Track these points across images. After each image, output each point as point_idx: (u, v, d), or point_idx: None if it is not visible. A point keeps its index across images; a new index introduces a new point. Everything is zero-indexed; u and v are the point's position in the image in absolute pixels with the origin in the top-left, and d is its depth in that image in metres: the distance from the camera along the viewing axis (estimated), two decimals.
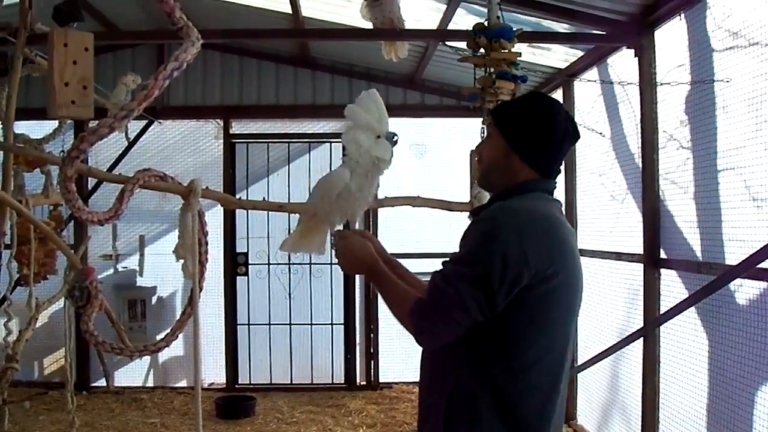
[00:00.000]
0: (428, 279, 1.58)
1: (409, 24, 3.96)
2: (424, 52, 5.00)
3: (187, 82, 5.74)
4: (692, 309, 3.14)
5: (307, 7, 4.65)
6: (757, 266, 2.59)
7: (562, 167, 1.71)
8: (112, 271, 5.86)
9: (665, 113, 3.50)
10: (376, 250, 1.73)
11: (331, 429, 4.90)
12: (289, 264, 5.94)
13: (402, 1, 3.84)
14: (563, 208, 1.73)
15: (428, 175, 5.67)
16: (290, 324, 5.97)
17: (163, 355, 5.80)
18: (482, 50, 3.07)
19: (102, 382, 5.74)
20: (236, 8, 4.91)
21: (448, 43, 4.34)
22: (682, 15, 3.31)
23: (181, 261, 2.72)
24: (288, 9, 4.59)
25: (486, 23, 3.09)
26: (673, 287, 3.40)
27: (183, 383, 5.86)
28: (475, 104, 3.12)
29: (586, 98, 4.60)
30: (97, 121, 2.20)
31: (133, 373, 5.85)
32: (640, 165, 3.66)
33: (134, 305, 5.75)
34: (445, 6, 4.16)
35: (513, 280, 1.46)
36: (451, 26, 4.32)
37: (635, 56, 3.65)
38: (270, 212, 5.41)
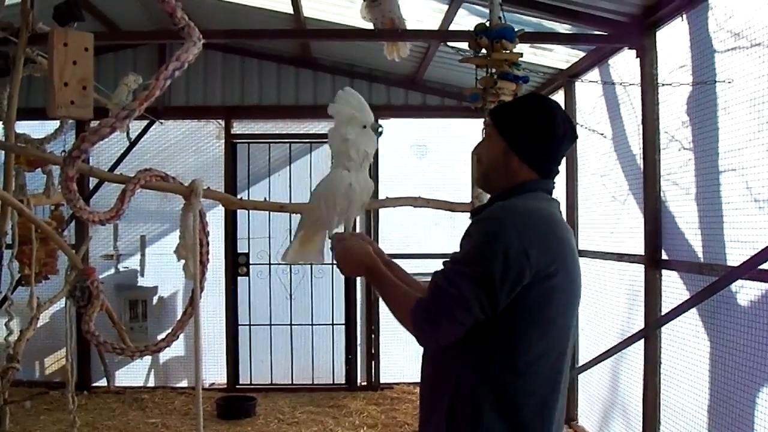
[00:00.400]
0: (428, 280, 1.58)
1: (411, 24, 3.95)
2: (426, 53, 4.99)
3: (188, 83, 5.74)
4: (693, 310, 3.13)
5: (308, 7, 4.65)
6: (759, 267, 2.59)
7: (562, 167, 1.72)
8: (113, 271, 5.86)
9: (667, 114, 3.50)
10: (374, 252, 1.74)
11: (331, 429, 4.89)
12: (290, 264, 5.94)
13: (403, 2, 3.84)
14: (563, 209, 1.73)
15: (429, 176, 5.66)
16: (291, 324, 5.97)
17: (164, 356, 5.80)
18: (484, 51, 3.06)
19: (103, 382, 5.74)
20: (238, 8, 4.91)
21: (449, 43, 4.35)
22: (684, 16, 3.31)
23: (182, 261, 2.72)
24: (289, 9, 4.59)
25: (488, 24, 3.09)
26: (674, 288, 3.39)
27: (184, 383, 5.86)
28: (476, 105, 3.12)
29: (587, 99, 4.60)
30: (98, 121, 2.20)
31: (134, 373, 5.84)
32: (642, 166, 3.65)
33: (135, 305, 5.74)
34: (447, 6, 4.16)
35: (515, 278, 1.46)
36: (452, 27, 4.32)
37: (637, 57, 3.65)
38: (271, 213, 5.41)
